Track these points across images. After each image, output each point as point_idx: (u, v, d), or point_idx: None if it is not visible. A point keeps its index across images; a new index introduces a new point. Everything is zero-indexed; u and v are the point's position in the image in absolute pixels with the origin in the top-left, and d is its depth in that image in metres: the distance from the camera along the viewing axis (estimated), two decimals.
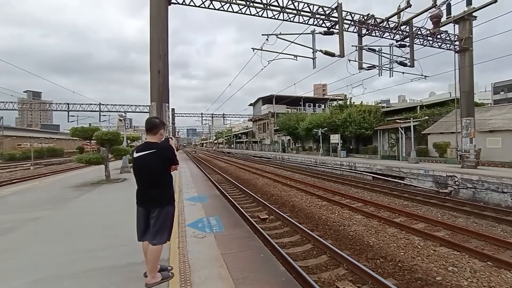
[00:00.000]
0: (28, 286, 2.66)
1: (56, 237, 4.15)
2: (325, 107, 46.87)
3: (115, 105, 33.22)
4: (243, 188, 11.92)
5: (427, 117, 19.62)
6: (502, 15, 9.57)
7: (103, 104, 32.83)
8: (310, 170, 20.45)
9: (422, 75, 12.41)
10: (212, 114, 43.81)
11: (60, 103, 32.97)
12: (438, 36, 12.61)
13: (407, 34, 11.74)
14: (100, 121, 33.20)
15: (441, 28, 12.59)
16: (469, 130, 12.59)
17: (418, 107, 22.83)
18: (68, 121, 33.14)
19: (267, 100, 49.16)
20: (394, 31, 11.73)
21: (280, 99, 43.09)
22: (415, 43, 11.99)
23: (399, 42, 11.96)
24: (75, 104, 32.48)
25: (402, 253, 5.15)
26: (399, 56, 12.05)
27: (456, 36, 12.95)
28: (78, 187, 9.31)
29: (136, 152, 2.58)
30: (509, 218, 7.23)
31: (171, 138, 2.74)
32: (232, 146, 74.14)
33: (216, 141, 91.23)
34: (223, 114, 43.50)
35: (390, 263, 4.77)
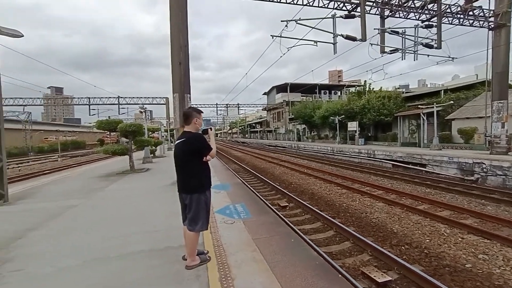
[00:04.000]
0: (79, 267, 2.90)
1: (94, 223, 4.45)
2: (341, 94, 45.64)
3: (133, 97, 34.06)
4: (261, 176, 12.06)
5: (451, 102, 18.64)
6: None
7: (121, 97, 33.76)
8: (327, 158, 20.26)
9: (450, 57, 11.72)
10: (226, 104, 43.96)
11: (82, 97, 34.27)
12: (470, 13, 11.73)
13: (434, 13, 11.01)
14: (119, 113, 34.24)
15: (474, 4, 11.69)
16: (501, 114, 11.87)
17: (442, 91, 21.70)
18: (90, 115, 34.46)
19: (281, 88, 48.49)
20: (420, 11, 11.04)
21: (294, 87, 42.38)
22: (443, 23, 11.24)
23: (425, 23, 11.27)
24: (95, 98, 33.63)
25: (427, 240, 5.10)
26: (424, 38, 11.40)
27: (492, 12, 11.98)
28: (106, 177, 9.79)
29: (176, 140, 2.72)
30: None
31: (211, 128, 2.83)
32: (247, 135, 74.44)
33: (230, 131, 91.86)
34: (238, 104, 43.53)
35: (416, 250, 4.75)
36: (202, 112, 2.83)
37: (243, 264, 2.79)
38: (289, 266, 2.75)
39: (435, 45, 10.97)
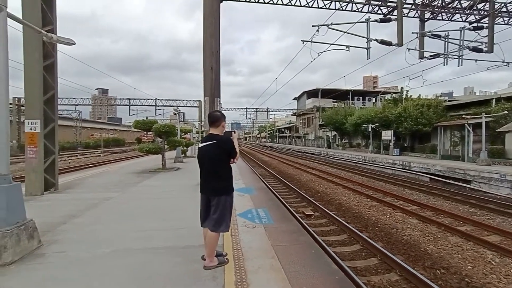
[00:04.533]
0: (108, 255, 3.14)
1: (125, 216, 4.80)
2: (376, 100, 43.48)
3: (169, 100, 36.09)
4: (287, 182, 11.91)
5: (506, 112, 16.67)
6: None
7: (158, 99, 35.96)
8: (358, 168, 19.36)
9: (504, 61, 10.53)
10: (256, 108, 44.39)
11: (123, 98, 37.17)
12: None
13: (486, 13, 10.03)
14: (155, 114, 36.50)
15: None
16: None
17: (494, 100, 19.54)
18: (129, 115, 37.22)
19: (312, 94, 47.67)
20: (468, 12, 10.15)
21: (326, 93, 41.39)
22: (496, 23, 10.17)
23: (474, 24, 10.31)
24: (135, 99, 36.28)
25: (469, 267, 4.56)
26: (471, 41, 10.42)
27: None
28: (139, 173, 10.46)
29: (201, 143, 2.80)
30: None
31: (234, 131, 2.89)
32: (275, 140, 74.29)
33: (259, 135, 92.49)
34: (267, 108, 43.73)
35: (454, 276, 4.27)
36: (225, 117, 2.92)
37: (260, 270, 2.77)
38: (307, 278, 2.66)
39: (485, 49, 9.96)
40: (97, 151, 34.11)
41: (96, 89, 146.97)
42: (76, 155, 28.94)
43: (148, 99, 36.44)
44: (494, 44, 9.98)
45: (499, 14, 10.29)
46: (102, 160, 24.47)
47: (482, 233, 6.14)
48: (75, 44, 4.48)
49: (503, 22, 10.52)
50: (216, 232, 2.71)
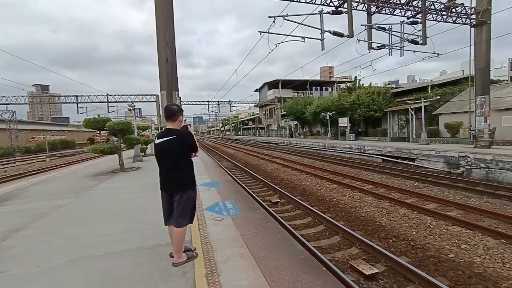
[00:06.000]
0: (67, 265, 2.88)
1: (82, 222, 4.40)
2: (332, 90, 45.99)
3: (123, 95, 33.43)
4: (253, 173, 12.10)
5: (438, 97, 19.08)
6: None
7: (110, 95, 33.08)
8: (319, 154, 20.46)
9: (435, 53, 11.97)
10: (218, 101, 43.63)
11: (69, 95, 33.38)
12: (453, 10, 11.98)
13: (419, 9, 11.20)
14: (108, 112, 33.57)
15: (457, 1, 11.95)
16: (483, 108, 12.23)
17: (429, 87, 22.17)
18: (78, 113, 33.64)
19: (272, 85, 48.49)
20: (406, 7, 11.21)
21: (286, 84, 42.48)
22: (427, 19, 11.45)
23: (411, 19, 11.46)
24: (83, 96, 32.83)
25: (414, 233, 5.24)
26: (410, 34, 11.60)
27: (473, 9, 12.27)
28: (95, 176, 9.63)
29: (158, 139, 2.68)
30: None
31: (189, 125, 2.81)
32: (239, 133, 74.30)
33: (223, 129, 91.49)
34: (229, 101, 43.30)
35: (403, 242, 4.88)
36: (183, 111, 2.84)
37: (229, 260, 2.81)
38: (275, 261, 2.79)
39: (421, 41, 11.19)
40: (41, 156, 30.36)
41: (33, 85, 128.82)
42: (14, 162, 25.39)
43: (98, 95, 33.25)
44: (427, 37, 11.26)
45: (429, 11, 11.59)
46: (48, 165, 21.88)
47: (423, 202, 7.08)
48: None
49: (432, 19, 11.90)
50: (181, 227, 2.66)
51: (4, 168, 21.11)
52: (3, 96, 30.73)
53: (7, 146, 34.27)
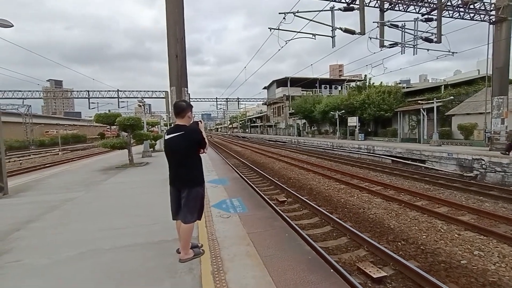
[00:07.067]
0: (74, 259, 2.93)
1: (91, 216, 4.48)
2: (341, 88, 45.34)
3: (133, 91, 33.92)
4: (260, 171, 12.07)
5: (452, 97, 18.51)
6: None
7: (121, 91, 33.61)
8: (327, 153, 20.26)
9: (450, 52, 11.58)
10: (226, 98, 43.70)
11: (81, 91, 34.12)
12: (471, 6, 11.53)
13: (435, 6, 10.84)
14: (118, 107, 34.13)
15: None
16: (501, 110, 11.77)
17: (442, 86, 21.53)
18: (89, 108, 34.36)
19: (281, 83, 48.17)
20: (420, 4, 10.87)
21: (294, 82, 42.10)
22: (443, 16, 11.07)
23: (425, 16, 11.10)
24: (94, 91, 33.49)
25: (424, 236, 5.11)
26: (424, 32, 11.24)
27: (493, 5, 11.78)
28: (105, 170, 9.82)
29: (167, 134, 2.68)
30: None
31: (200, 121, 2.80)
32: (247, 130, 74.36)
33: (230, 126, 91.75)
34: (238, 98, 43.31)
35: (412, 246, 4.76)
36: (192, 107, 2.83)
37: (236, 258, 2.80)
38: (282, 260, 2.76)
39: (435, 39, 10.82)
40: (54, 149, 31.20)
41: (47, 80, 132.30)
42: (29, 155, 26.20)
43: (109, 90, 33.85)
44: (442, 35, 10.88)
45: (446, 8, 11.20)
46: (61, 158, 22.47)
47: (434, 206, 6.89)
48: (12, 26, 3.93)
49: (448, 16, 11.49)
50: (189, 223, 2.67)
51: (20, 160, 21.81)
52: (20, 91, 31.66)
53: (23, 139, 35.37)
